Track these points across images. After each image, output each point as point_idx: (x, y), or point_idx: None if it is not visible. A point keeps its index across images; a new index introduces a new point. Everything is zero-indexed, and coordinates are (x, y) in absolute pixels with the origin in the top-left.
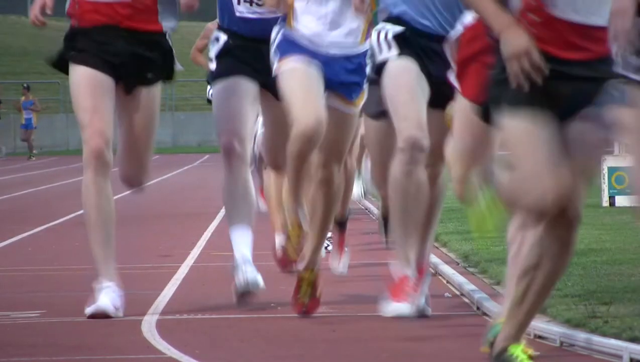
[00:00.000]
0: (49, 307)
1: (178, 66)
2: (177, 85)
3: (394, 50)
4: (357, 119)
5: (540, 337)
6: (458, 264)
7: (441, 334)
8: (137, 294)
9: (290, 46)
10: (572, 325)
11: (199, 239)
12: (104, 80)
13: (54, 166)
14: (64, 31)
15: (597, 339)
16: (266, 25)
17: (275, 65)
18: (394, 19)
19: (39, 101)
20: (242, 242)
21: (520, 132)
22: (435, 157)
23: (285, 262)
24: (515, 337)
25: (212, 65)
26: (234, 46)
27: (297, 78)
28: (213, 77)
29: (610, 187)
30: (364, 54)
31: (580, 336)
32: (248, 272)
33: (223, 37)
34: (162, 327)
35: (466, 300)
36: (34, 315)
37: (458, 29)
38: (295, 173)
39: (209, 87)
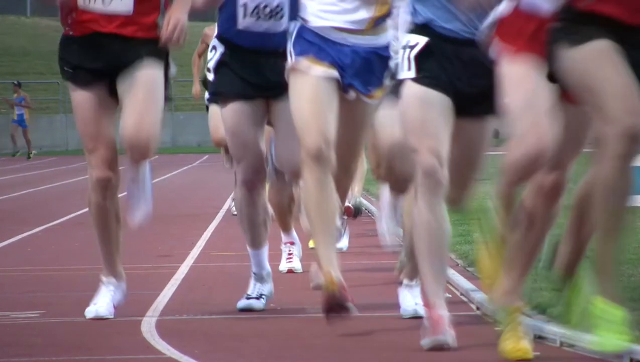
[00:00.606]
0: (49, 308)
1: (172, 69)
2: (177, 85)
3: (412, 72)
4: (372, 112)
5: (540, 337)
6: (458, 264)
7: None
8: (136, 294)
9: (305, 45)
10: (572, 325)
11: (198, 239)
12: (103, 99)
13: (54, 166)
14: (63, 31)
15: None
16: (268, 38)
17: (289, 64)
18: (418, 29)
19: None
20: None
21: (595, 56)
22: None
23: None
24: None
25: (210, 76)
26: (230, 59)
27: (307, 94)
28: (212, 91)
29: None
30: (383, 46)
31: (581, 336)
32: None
33: (220, 49)
34: (162, 328)
35: (466, 300)
36: (33, 315)
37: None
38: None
39: (207, 93)
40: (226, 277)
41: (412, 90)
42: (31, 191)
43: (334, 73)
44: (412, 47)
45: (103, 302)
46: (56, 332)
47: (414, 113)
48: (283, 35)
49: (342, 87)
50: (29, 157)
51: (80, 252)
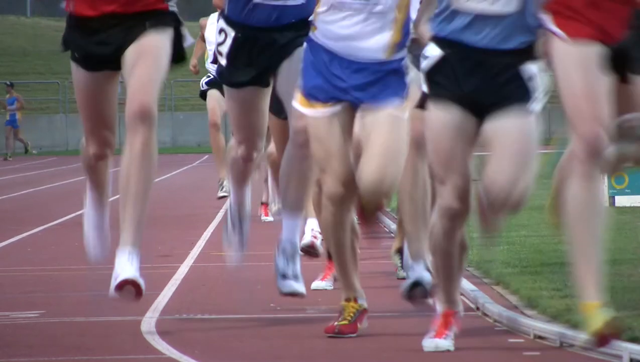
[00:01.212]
0: (49, 308)
1: (189, 40)
2: (176, 85)
3: (426, 88)
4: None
5: (540, 337)
6: None
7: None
8: None
9: (314, 79)
10: (572, 325)
11: (198, 239)
12: (105, 81)
13: (54, 166)
14: (63, 31)
15: None
16: (283, 13)
17: (297, 95)
18: (440, 41)
19: (38, 101)
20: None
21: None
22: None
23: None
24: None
25: (222, 61)
26: (243, 42)
27: (322, 134)
28: (222, 77)
29: (610, 187)
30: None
31: (581, 336)
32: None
33: (231, 33)
34: (162, 328)
35: (466, 300)
36: (33, 315)
37: None
38: (336, 245)
39: (203, 82)
40: (226, 277)
41: (433, 115)
42: (31, 190)
43: (338, 108)
44: (425, 65)
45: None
46: (56, 332)
47: (440, 144)
48: (298, 8)
49: (354, 106)
50: (26, 152)
51: (80, 252)
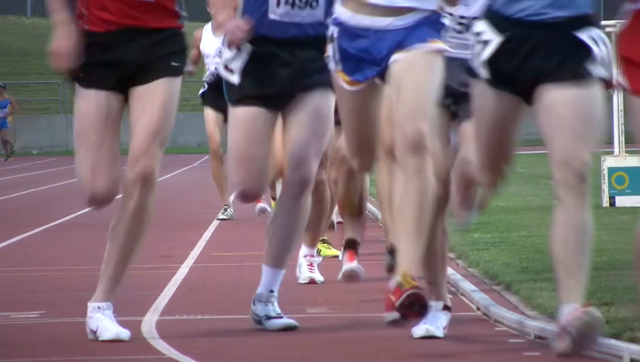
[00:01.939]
0: (49, 308)
1: (188, 67)
2: None
3: (485, 73)
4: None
5: (540, 337)
6: (458, 264)
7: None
8: (137, 294)
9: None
10: None
11: (198, 240)
12: (113, 108)
13: (54, 167)
14: None
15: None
16: (302, 28)
17: (335, 71)
18: (493, 15)
19: (39, 102)
20: None
21: None
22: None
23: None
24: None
25: (233, 78)
26: (261, 56)
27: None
28: (234, 97)
29: (610, 187)
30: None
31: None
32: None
33: (247, 47)
34: (162, 328)
35: (466, 300)
36: (33, 315)
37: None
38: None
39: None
40: (226, 277)
41: (486, 105)
42: (31, 191)
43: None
44: (484, 43)
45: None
46: (56, 332)
47: (483, 141)
48: (317, 25)
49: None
50: (7, 158)
51: (80, 252)
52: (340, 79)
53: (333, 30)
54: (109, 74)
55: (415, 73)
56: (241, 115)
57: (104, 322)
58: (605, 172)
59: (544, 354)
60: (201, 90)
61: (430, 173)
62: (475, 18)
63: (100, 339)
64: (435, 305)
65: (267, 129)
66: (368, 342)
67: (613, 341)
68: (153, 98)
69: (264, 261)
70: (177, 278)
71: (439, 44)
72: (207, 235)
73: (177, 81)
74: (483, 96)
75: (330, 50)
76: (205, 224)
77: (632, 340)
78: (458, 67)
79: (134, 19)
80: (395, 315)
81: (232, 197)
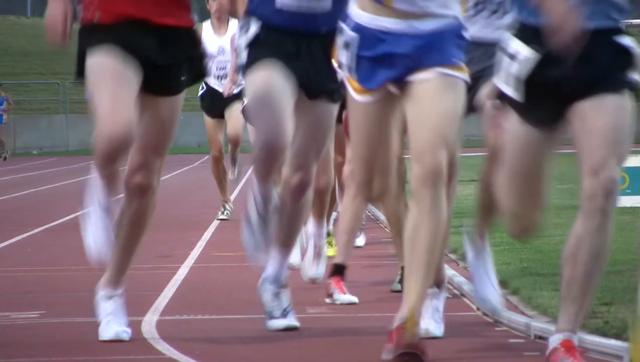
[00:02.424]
0: (49, 308)
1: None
2: None
3: (514, 93)
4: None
5: (540, 337)
6: (458, 264)
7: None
8: (137, 294)
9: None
10: None
11: (199, 240)
12: (129, 73)
13: (54, 167)
14: None
15: (597, 339)
16: (308, 19)
17: (347, 79)
18: (527, 29)
19: (39, 102)
20: None
21: None
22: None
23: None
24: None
25: (242, 57)
26: (265, 39)
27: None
28: (246, 65)
29: None
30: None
31: (581, 336)
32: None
33: (253, 27)
34: (162, 328)
35: (466, 300)
36: (33, 316)
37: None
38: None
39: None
40: (226, 278)
41: (515, 129)
42: (31, 191)
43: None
44: (513, 58)
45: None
46: (56, 332)
47: (515, 167)
48: (325, 16)
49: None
50: (5, 158)
51: (80, 253)
52: (352, 88)
53: (349, 37)
54: (125, 45)
55: (440, 100)
56: (257, 72)
57: (106, 320)
58: None
59: (544, 354)
60: (200, 92)
61: (444, 205)
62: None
63: (100, 339)
64: (432, 292)
65: (285, 81)
66: (368, 342)
67: (613, 341)
68: (162, 113)
69: (273, 246)
70: (177, 278)
71: (464, 74)
72: (207, 235)
73: (183, 95)
74: (513, 126)
75: (343, 57)
76: (206, 224)
77: None
78: (484, 53)
79: (145, 12)
80: (390, 355)
81: (232, 197)
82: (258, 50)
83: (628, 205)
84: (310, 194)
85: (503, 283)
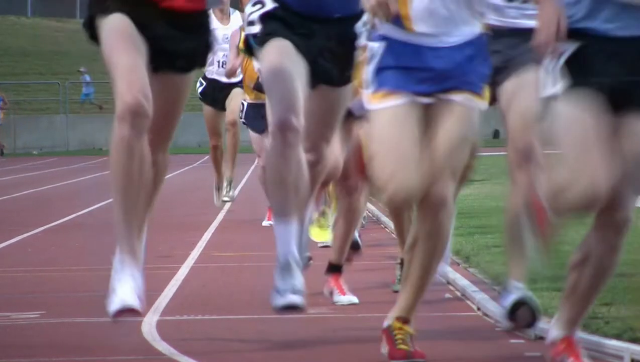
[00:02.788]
0: (49, 308)
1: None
2: None
3: (563, 84)
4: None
5: (541, 338)
6: (459, 264)
7: (442, 334)
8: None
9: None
10: None
11: (199, 240)
12: (141, 42)
13: (54, 167)
14: (64, 32)
15: (598, 340)
16: (327, 3)
17: (367, 96)
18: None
19: (39, 102)
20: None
21: None
22: None
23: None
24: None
25: (254, 28)
26: (283, 15)
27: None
28: (259, 36)
29: None
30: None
31: (581, 336)
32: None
33: (270, 3)
34: (162, 328)
35: (467, 301)
36: (33, 316)
37: None
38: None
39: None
40: (226, 278)
41: (568, 111)
42: (32, 191)
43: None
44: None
45: (126, 289)
46: (56, 333)
47: (577, 132)
48: (339, 2)
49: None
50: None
51: (80, 253)
52: (376, 99)
53: (375, 49)
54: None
55: (458, 131)
56: (273, 44)
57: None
58: None
59: (544, 354)
60: (200, 89)
61: (445, 231)
62: None
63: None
64: None
65: (300, 58)
66: (368, 342)
67: (614, 341)
68: (172, 97)
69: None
70: (178, 278)
71: (484, 103)
72: (207, 235)
73: (189, 80)
74: (569, 109)
75: (368, 70)
76: (206, 225)
77: (634, 341)
78: (510, 43)
79: None
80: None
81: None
82: (274, 24)
83: None
84: (321, 170)
85: (504, 284)
